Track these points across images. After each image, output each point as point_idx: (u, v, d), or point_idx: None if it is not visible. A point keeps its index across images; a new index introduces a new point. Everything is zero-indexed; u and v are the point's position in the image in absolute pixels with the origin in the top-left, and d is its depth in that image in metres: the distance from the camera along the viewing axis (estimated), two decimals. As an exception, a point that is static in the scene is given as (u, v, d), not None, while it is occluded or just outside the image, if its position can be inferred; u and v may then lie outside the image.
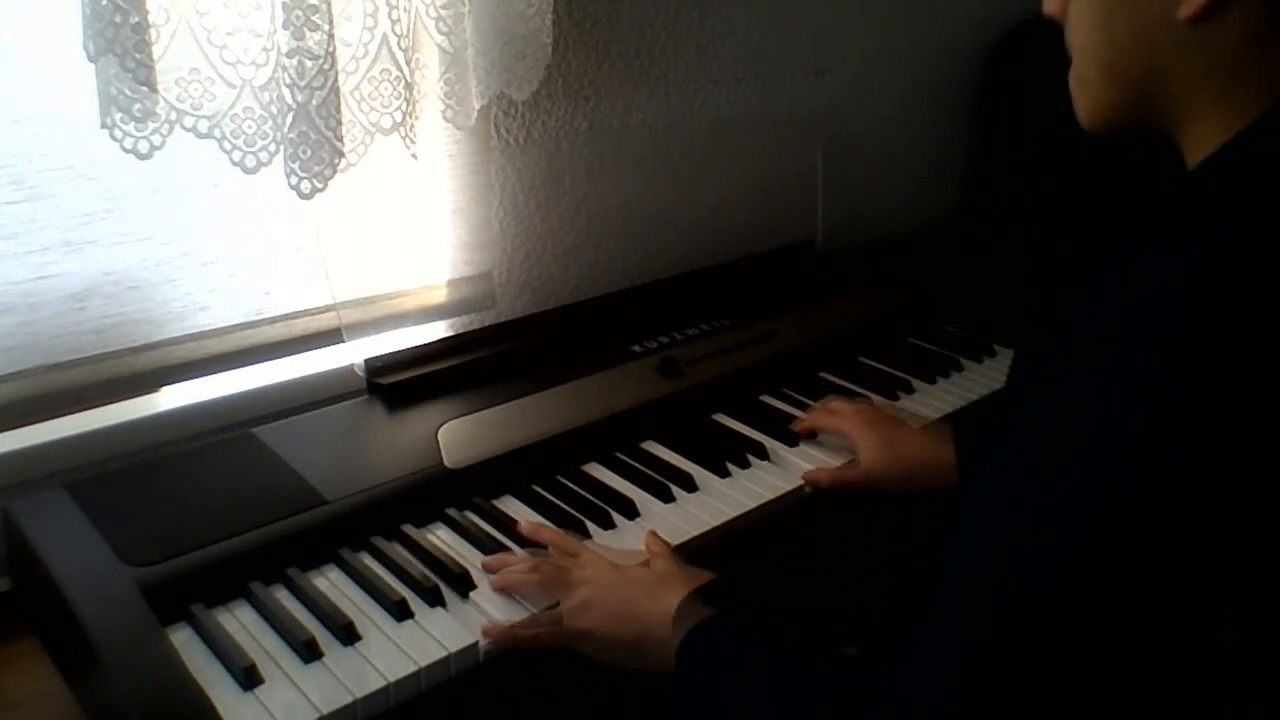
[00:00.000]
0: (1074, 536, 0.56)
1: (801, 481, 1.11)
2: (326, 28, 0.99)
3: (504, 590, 0.92)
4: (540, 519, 1.03)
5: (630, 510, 1.04)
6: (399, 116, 1.08)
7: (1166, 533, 0.54)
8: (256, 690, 0.81)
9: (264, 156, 1.01)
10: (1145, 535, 0.54)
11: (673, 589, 0.85)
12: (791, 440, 1.18)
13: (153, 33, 0.92)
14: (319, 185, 1.03)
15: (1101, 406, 0.56)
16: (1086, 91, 0.68)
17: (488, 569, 0.94)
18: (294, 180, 1.02)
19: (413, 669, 0.84)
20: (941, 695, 0.58)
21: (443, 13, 1.10)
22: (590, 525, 1.02)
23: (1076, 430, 0.56)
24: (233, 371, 1.18)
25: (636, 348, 1.30)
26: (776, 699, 0.71)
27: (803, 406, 1.25)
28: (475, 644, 0.87)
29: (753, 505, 1.07)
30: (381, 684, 0.82)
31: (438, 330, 1.30)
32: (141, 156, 0.96)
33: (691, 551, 1.01)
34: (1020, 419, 0.61)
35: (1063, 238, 1.76)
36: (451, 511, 1.03)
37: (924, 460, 1.08)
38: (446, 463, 1.07)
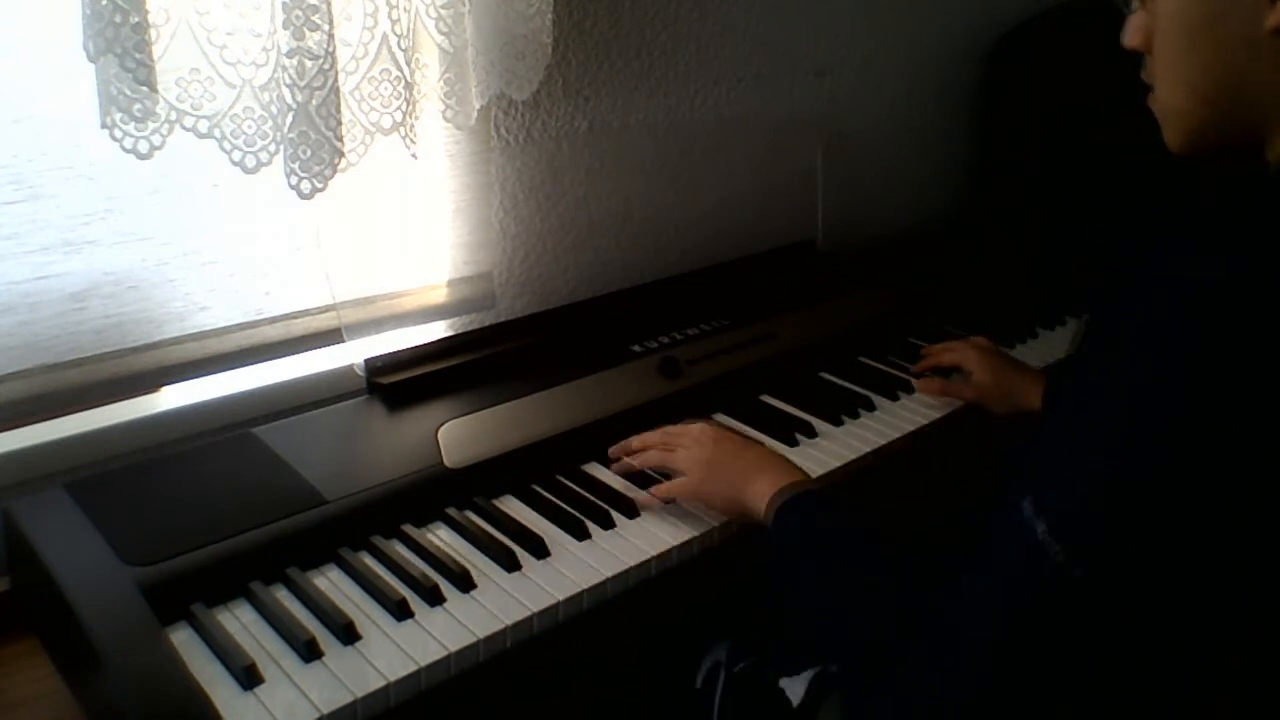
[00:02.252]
0: (1126, 487, 0.61)
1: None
2: (326, 28, 0.99)
3: (625, 472, 1.10)
4: (541, 518, 1.03)
5: (631, 510, 1.04)
6: (399, 116, 1.08)
7: (1208, 489, 0.59)
8: (256, 690, 0.81)
9: (264, 156, 1.01)
10: (1188, 489, 0.60)
11: (767, 479, 0.96)
12: (791, 441, 1.18)
13: (153, 33, 0.92)
14: (319, 185, 1.03)
15: (1157, 378, 0.61)
16: (1176, 119, 0.71)
17: (612, 456, 1.11)
18: (294, 180, 1.02)
19: (413, 669, 0.83)
20: (986, 629, 0.66)
21: (443, 13, 1.10)
22: (590, 525, 1.02)
23: (1134, 396, 0.61)
24: (233, 371, 1.18)
25: (636, 348, 1.30)
26: (846, 576, 0.82)
27: (803, 406, 1.25)
28: (476, 644, 0.87)
29: (753, 505, 1.07)
30: (381, 684, 0.82)
31: (438, 330, 1.30)
32: (141, 156, 0.96)
33: (692, 552, 1.01)
34: (1086, 382, 0.66)
35: (1062, 237, 1.76)
36: (451, 511, 1.03)
37: (1023, 390, 1.24)
38: (446, 462, 1.07)
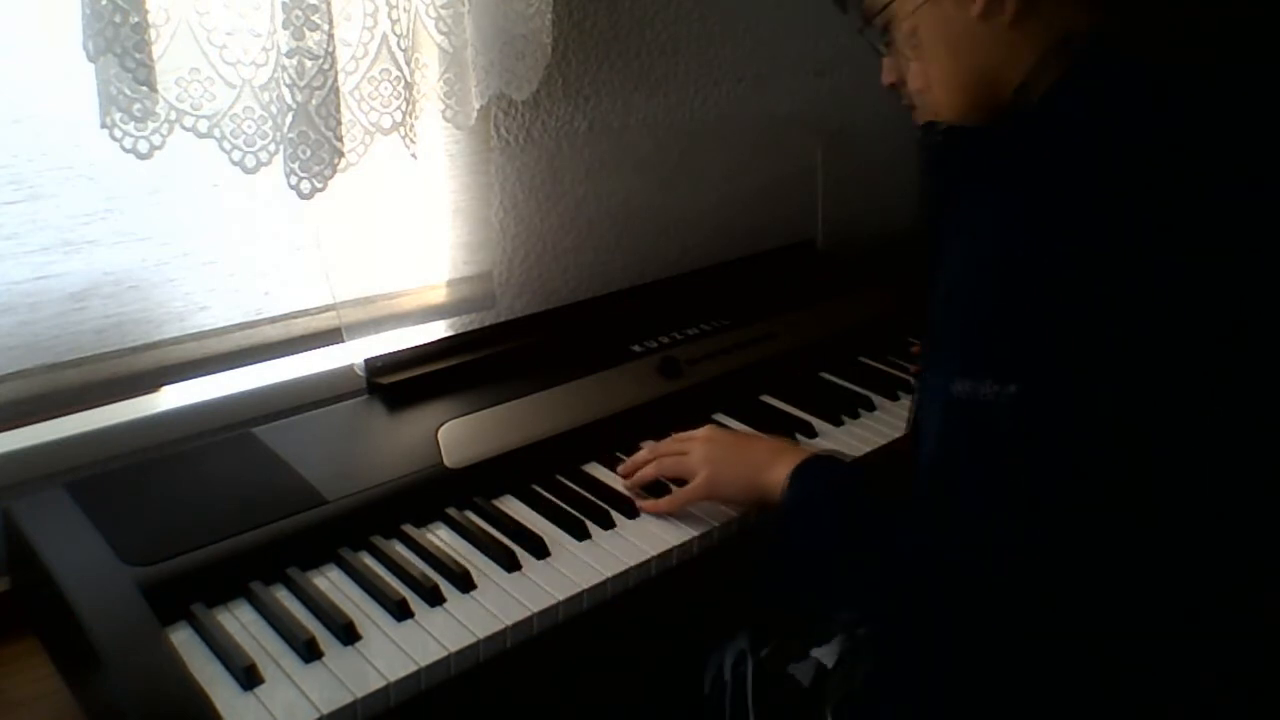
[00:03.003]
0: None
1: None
2: (326, 27, 0.99)
3: (638, 485, 1.07)
4: (541, 518, 1.03)
5: (630, 510, 1.04)
6: (399, 116, 1.08)
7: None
8: (256, 690, 0.81)
9: (264, 156, 1.01)
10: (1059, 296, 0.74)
11: (785, 462, 0.97)
12: (792, 441, 1.18)
13: (153, 33, 0.92)
14: (319, 185, 1.03)
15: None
16: (960, 114, 0.87)
17: (623, 475, 1.09)
18: (294, 180, 1.02)
19: (413, 669, 0.83)
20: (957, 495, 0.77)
21: (443, 13, 1.10)
22: (590, 525, 1.02)
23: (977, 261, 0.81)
24: (233, 371, 1.18)
25: (636, 348, 1.30)
26: (849, 533, 0.87)
27: (803, 406, 1.25)
28: (475, 644, 0.87)
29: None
30: (381, 684, 0.82)
31: (438, 330, 1.30)
32: (141, 156, 0.96)
33: (692, 552, 1.01)
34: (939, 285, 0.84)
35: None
36: (451, 511, 1.03)
37: None
38: (446, 462, 1.07)
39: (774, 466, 0.97)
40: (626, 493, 1.07)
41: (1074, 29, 0.81)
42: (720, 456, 1.03)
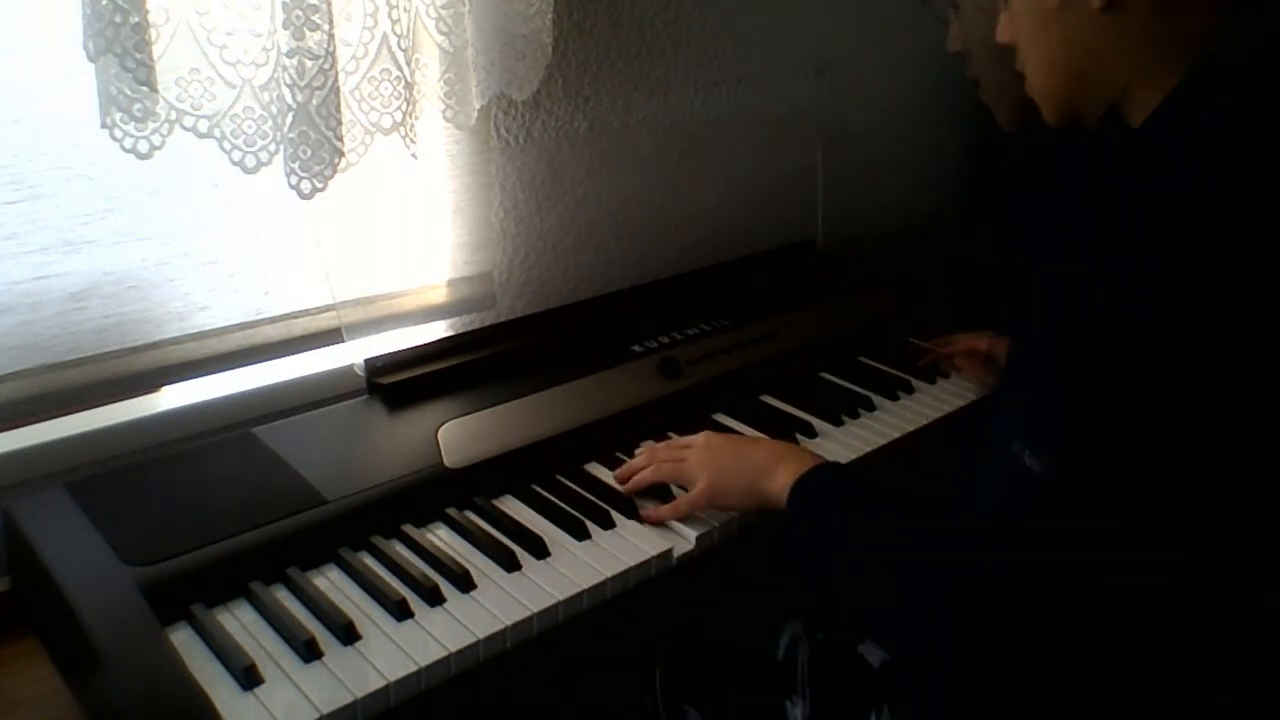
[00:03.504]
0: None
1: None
2: (326, 27, 0.99)
3: (635, 490, 1.06)
4: (541, 518, 1.03)
5: (631, 510, 1.04)
6: (399, 116, 1.08)
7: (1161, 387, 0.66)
8: (256, 690, 0.81)
9: (264, 156, 1.01)
10: (1143, 388, 0.67)
11: (787, 468, 0.96)
12: (791, 441, 1.18)
13: (153, 32, 0.92)
14: (319, 185, 1.03)
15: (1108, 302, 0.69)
16: (1047, 96, 0.81)
17: (620, 480, 1.08)
18: (294, 180, 1.02)
19: (413, 669, 0.83)
20: (989, 559, 0.73)
21: (443, 13, 1.10)
22: (590, 525, 1.02)
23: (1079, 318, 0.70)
24: (233, 371, 1.18)
25: (636, 348, 1.30)
26: (870, 536, 0.84)
27: (803, 406, 1.25)
28: (475, 644, 0.87)
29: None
30: (381, 684, 0.82)
31: (438, 330, 1.30)
32: (141, 156, 0.96)
33: (692, 552, 1.01)
34: (1036, 324, 0.75)
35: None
36: (451, 511, 1.03)
37: None
38: (446, 462, 1.07)
39: (775, 473, 0.96)
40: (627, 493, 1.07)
41: (1204, 32, 0.73)
42: (720, 463, 1.03)
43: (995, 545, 0.73)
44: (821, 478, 0.94)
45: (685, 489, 1.04)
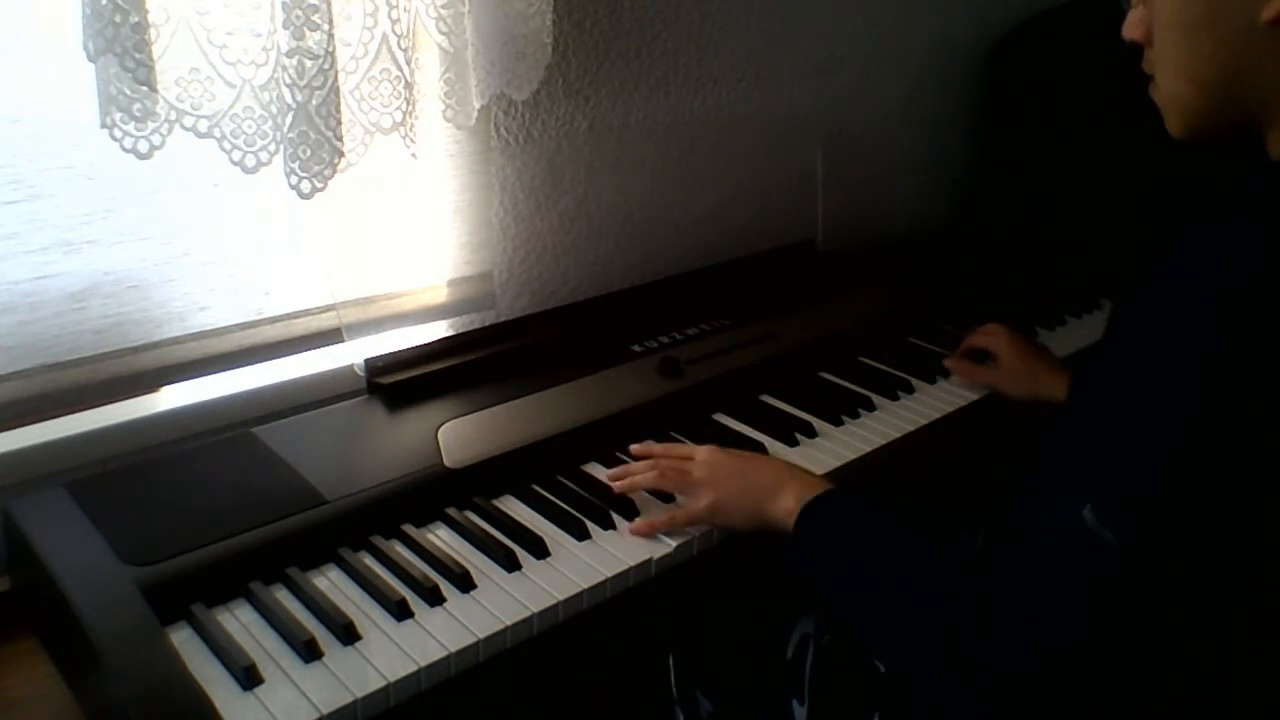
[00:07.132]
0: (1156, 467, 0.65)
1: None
2: (326, 27, 0.99)
3: (630, 490, 1.04)
4: (541, 518, 1.03)
5: (630, 511, 1.04)
6: (399, 116, 1.08)
7: (1244, 472, 0.64)
8: (256, 690, 0.81)
9: (264, 156, 1.01)
10: (1225, 473, 0.64)
11: (791, 491, 0.95)
12: (791, 441, 1.18)
13: (153, 32, 0.92)
14: (319, 185, 1.03)
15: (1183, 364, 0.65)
16: (1178, 105, 0.74)
17: (613, 480, 1.05)
18: (294, 180, 1.02)
19: (413, 669, 0.83)
20: (1035, 612, 0.69)
21: (443, 12, 1.10)
22: (590, 525, 1.02)
23: (1172, 387, 0.65)
24: (233, 371, 1.18)
25: (636, 348, 1.30)
26: (882, 568, 0.82)
27: (803, 406, 1.25)
28: (475, 644, 0.87)
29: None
30: (381, 684, 0.82)
31: (438, 330, 1.30)
32: (141, 156, 0.96)
33: (691, 551, 1.01)
34: (1120, 375, 0.69)
35: (1065, 236, 1.76)
36: (451, 511, 1.03)
37: (1045, 376, 1.27)
38: (446, 462, 1.07)
39: (780, 496, 0.95)
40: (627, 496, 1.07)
41: None
42: (726, 482, 1.01)
43: (1031, 600, 0.69)
44: (828, 509, 0.92)
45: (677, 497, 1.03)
